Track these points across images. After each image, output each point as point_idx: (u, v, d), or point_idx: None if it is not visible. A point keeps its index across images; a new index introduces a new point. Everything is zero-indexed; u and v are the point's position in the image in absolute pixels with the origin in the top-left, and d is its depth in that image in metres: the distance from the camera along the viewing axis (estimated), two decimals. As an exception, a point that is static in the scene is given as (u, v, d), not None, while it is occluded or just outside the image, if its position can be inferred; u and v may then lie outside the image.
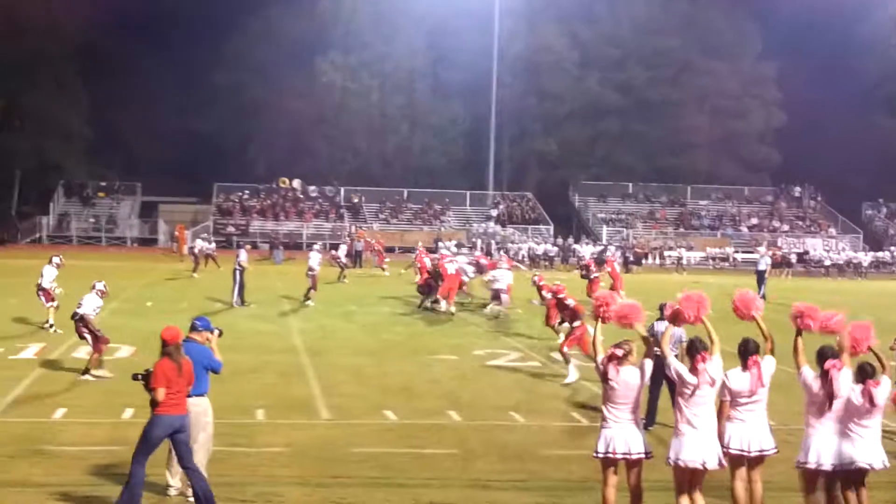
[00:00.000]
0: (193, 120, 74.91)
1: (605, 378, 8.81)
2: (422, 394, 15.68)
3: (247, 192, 64.84)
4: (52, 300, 21.23)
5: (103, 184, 67.33)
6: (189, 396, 9.37)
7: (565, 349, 17.12)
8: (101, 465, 10.87)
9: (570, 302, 18.22)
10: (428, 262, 28.88)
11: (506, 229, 60.18)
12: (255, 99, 71.06)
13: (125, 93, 76.34)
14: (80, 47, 72.28)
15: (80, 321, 16.44)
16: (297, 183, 66.11)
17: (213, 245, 41.15)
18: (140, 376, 9.29)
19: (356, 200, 64.74)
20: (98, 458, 11.11)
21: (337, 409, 14.22)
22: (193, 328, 9.97)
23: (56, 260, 22.18)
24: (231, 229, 58.70)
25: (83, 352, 18.18)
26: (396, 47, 70.48)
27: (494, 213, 63.67)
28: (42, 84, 68.50)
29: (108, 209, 64.05)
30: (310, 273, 27.82)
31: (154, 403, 9.04)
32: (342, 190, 66.33)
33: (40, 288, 21.63)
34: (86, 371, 15.97)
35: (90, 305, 16.65)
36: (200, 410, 9.60)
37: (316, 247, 32.30)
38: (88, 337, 16.40)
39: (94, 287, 17.01)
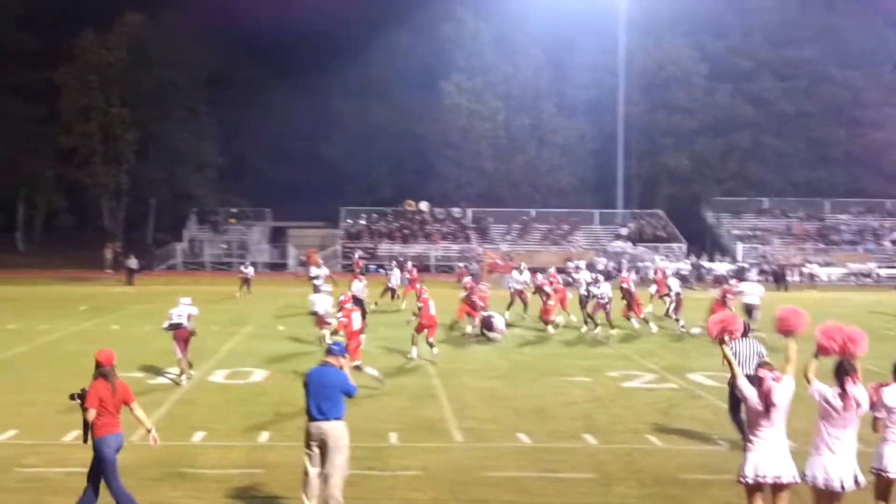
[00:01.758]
0: (320, 145, 76.41)
1: (766, 400, 8.44)
2: (556, 416, 15.36)
3: (374, 215, 65.50)
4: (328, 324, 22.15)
5: (234, 210, 69.00)
6: (327, 420, 9.49)
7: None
8: (240, 487, 10.98)
9: (332, 322, 18.57)
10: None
11: (636, 248, 59.22)
12: (381, 123, 71.98)
13: (254, 121, 78.55)
14: (211, 77, 74.69)
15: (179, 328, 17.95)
16: (424, 205, 66.43)
17: (252, 270, 41.23)
18: (77, 396, 9.46)
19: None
20: (236, 480, 11.21)
21: (470, 432, 14.07)
22: (329, 352, 10.06)
23: (327, 288, 23.98)
24: (359, 252, 59.29)
25: (220, 376, 18.51)
26: (520, 67, 70.38)
27: (624, 231, 62.72)
28: (174, 115, 70.90)
29: (239, 235, 65.51)
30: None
31: (87, 423, 9.30)
32: (469, 211, 66.38)
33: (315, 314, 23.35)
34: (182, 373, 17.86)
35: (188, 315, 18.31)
36: (338, 434, 9.60)
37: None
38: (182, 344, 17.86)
39: (181, 302, 18.54)
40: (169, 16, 70.93)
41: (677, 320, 27.40)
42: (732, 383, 11.53)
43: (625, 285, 28.09)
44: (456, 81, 69.47)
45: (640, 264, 52.31)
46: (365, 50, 74.44)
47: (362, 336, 20.65)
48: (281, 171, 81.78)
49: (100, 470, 9.40)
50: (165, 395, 16.42)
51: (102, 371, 9.45)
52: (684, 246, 61.06)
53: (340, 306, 19.29)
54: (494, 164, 70.10)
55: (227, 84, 78.06)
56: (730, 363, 9.08)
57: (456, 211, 66.30)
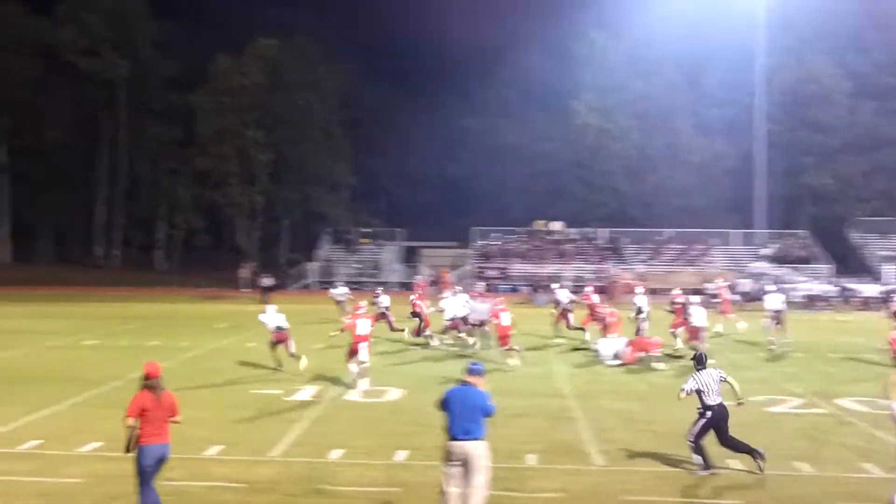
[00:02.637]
0: (451, 165, 76.90)
1: None
2: (698, 441, 14.87)
3: (506, 235, 65.28)
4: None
5: (367, 230, 69.70)
6: (470, 440, 9.42)
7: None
8: (378, 505, 10.94)
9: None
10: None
11: (780, 269, 57.36)
12: (511, 143, 71.88)
13: (386, 141, 79.61)
14: (344, 99, 75.99)
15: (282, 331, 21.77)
16: (557, 225, 65.87)
17: (343, 290, 38.00)
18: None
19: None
20: (374, 499, 11.21)
21: (609, 455, 13.78)
22: (470, 372, 9.95)
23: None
24: (492, 273, 59.20)
25: (355, 394, 18.57)
26: (654, 85, 69.24)
27: (768, 251, 60.88)
28: (308, 136, 72.23)
29: (372, 255, 66.14)
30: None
31: (131, 433, 9.65)
32: (604, 231, 65.51)
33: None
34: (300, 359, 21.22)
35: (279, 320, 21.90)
36: (480, 454, 9.53)
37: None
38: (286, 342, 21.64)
39: (269, 310, 22.31)
40: (302, 39, 72.55)
41: (773, 342, 26.50)
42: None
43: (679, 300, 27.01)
44: (587, 100, 68.93)
45: (785, 286, 50.49)
46: (496, 69, 74.74)
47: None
48: (413, 190, 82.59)
49: (137, 474, 9.69)
50: (302, 413, 16.53)
51: (148, 383, 9.80)
52: (829, 267, 58.95)
53: (353, 312, 21.17)
54: (627, 184, 69.20)
55: (360, 105, 79.32)
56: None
57: (590, 231, 65.60)
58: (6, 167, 76.17)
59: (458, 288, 31.59)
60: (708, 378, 12.87)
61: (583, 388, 19.99)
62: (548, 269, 59.01)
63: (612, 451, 13.98)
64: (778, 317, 27.01)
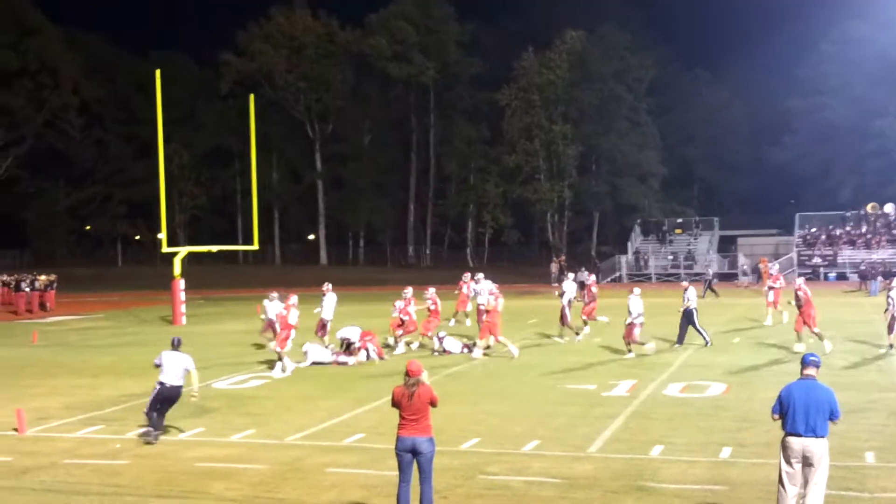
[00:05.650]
0: (768, 149, 73.66)
1: None
2: None
3: (832, 221, 61.37)
4: None
5: (679, 220, 67.93)
6: (816, 437, 8.92)
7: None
8: (703, 503, 10.51)
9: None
10: None
11: None
12: (836, 121, 67.59)
13: (697, 127, 77.64)
14: (651, 86, 74.73)
15: None
16: (889, 207, 61.14)
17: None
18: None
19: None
20: (699, 496, 10.73)
21: (956, 453, 12.44)
22: (809, 363, 9.35)
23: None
24: (817, 260, 56.08)
25: (674, 389, 17.92)
26: None
27: None
28: (615, 127, 71.57)
29: (685, 245, 64.38)
30: None
31: None
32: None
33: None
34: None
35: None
36: (824, 452, 8.96)
37: None
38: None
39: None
40: (607, 29, 72.05)
41: None
42: None
43: (799, 293, 23.45)
44: (924, 70, 63.81)
45: None
46: (817, 44, 70.56)
47: None
48: (728, 177, 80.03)
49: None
50: (619, 409, 16.12)
51: (406, 380, 10.06)
52: None
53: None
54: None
55: (669, 91, 77.82)
56: None
57: (929, 213, 60.52)
58: (322, 173, 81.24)
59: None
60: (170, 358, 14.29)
61: (927, 381, 18.32)
62: (880, 254, 55.08)
63: (961, 449, 12.64)
64: None
